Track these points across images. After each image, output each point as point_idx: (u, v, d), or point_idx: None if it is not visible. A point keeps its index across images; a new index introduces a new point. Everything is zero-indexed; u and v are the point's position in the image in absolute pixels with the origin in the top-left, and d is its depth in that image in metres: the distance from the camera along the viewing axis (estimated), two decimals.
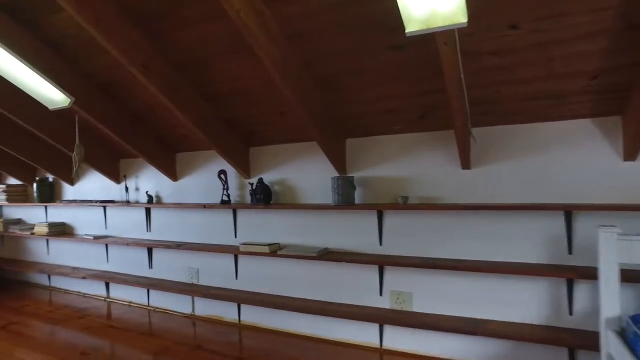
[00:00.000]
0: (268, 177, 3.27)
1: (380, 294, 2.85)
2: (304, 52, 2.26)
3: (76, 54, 2.79)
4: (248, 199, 3.34)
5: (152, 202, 3.92)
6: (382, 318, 2.71)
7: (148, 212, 4.02)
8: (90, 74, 2.96)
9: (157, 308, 3.93)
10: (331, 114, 2.70)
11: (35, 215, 5.24)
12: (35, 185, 4.82)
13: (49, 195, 4.88)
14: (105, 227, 4.41)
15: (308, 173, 3.11)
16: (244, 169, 3.30)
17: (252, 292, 3.34)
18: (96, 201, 4.23)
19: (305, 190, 3.13)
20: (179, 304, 3.75)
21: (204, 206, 3.35)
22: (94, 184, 4.53)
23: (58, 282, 4.88)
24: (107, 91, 3.10)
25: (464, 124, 2.17)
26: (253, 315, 3.34)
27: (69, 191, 4.82)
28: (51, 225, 4.70)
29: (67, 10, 2.07)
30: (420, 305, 2.72)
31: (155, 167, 3.68)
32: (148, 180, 4.05)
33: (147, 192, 3.95)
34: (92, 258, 4.54)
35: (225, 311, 3.48)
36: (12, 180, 5.43)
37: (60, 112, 3.31)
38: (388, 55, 2.17)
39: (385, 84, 2.37)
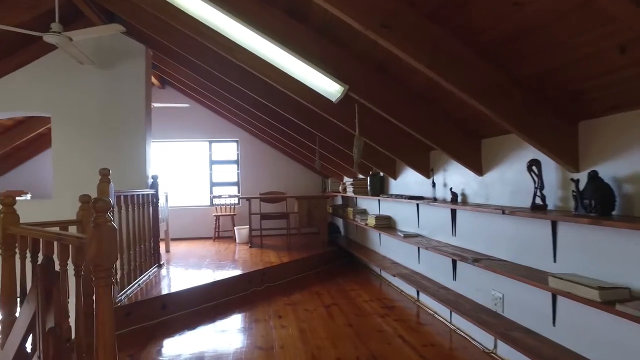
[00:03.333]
0: (609, 170, 1.92)
1: None
2: None
3: (344, 35, 2.53)
4: (572, 204, 2.09)
5: (457, 201, 3.24)
6: None
7: (453, 213, 3.37)
8: (364, 55, 2.64)
9: (458, 329, 3.22)
10: None
11: (373, 207, 5.62)
12: (368, 179, 5.14)
13: (379, 188, 5.08)
14: (418, 225, 4.10)
15: None
16: (568, 157, 2.08)
17: (577, 356, 2.07)
18: (405, 197, 3.97)
19: None
20: (481, 332, 2.90)
21: (503, 212, 2.37)
22: (411, 178, 4.31)
23: (386, 272, 5.01)
24: (385, 72, 2.69)
25: None
26: None
27: (393, 185, 4.84)
28: (377, 218, 4.86)
29: None
30: None
31: (453, 158, 3.00)
32: (454, 175, 3.39)
33: (451, 188, 3.31)
34: (407, 255, 4.34)
35: None
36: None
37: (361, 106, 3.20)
38: None
39: None
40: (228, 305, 4.09)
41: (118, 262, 3.68)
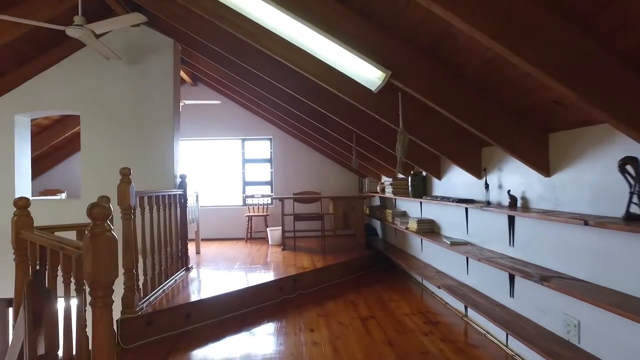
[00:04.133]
0: None
1: None
2: None
3: (387, 14, 2.14)
4: None
5: (516, 206, 2.78)
6: None
7: (511, 220, 2.90)
8: (409, 37, 2.24)
9: (517, 356, 2.76)
10: None
11: (414, 209, 5.18)
12: (409, 179, 4.70)
13: (422, 189, 4.64)
14: (467, 232, 3.64)
15: None
16: None
17: None
18: (453, 200, 3.52)
19: None
20: None
21: (586, 222, 1.91)
22: (458, 179, 3.85)
23: (428, 282, 4.57)
24: (434, 55, 2.28)
25: None
26: None
27: (437, 186, 4.38)
28: (420, 222, 4.42)
29: None
30: None
31: (513, 155, 2.54)
32: (512, 175, 2.92)
33: (509, 191, 2.85)
34: (454, 264, 3.89)
35: None
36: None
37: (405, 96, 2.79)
38: None
39: None
40: (256, 315, 3.80)
41: (141, 268, 3.47)
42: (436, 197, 3.97)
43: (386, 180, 5.72)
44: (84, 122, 4.82)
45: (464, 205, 3.36)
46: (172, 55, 4.89)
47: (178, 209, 4.74)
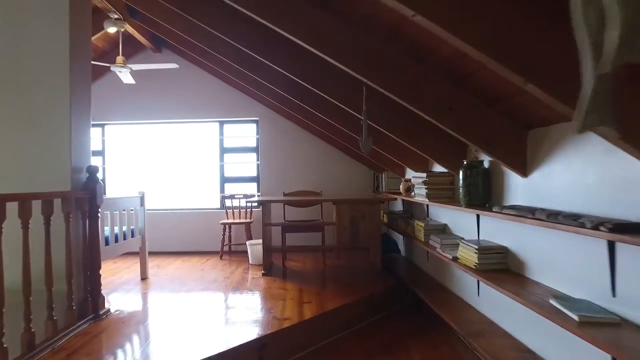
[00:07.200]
0: None
1: None
2: None
3: None
4: None
5: None
6: None
7: None
8: None
9: None
10: None
11: (465, 223, 3.22)
12: (460, 173, 2.75)
13: (483, 192, 2.67)
14: (612, 291, 1.68)
15: None
16: None
17: None
18: (587, 223, 1.54)
19: None
20: None
21: None
22: (572, 175, 1.89)
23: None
24: None
25: None
26: None
27: (516, 187, 2.42)
28: (482, 251, 2.47)
29: None
30: None
31: None
32: None
33: None
34: (553, 336, 1.94)
35: None
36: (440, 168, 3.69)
37: None
38: None
39: None
40: None
41: None
42: (524, 209, 1.99)
43: (415, 175, 3.77)
44: None
45: (609, 237, 1.39)
46: None
47: (79, 222, 2.92)
